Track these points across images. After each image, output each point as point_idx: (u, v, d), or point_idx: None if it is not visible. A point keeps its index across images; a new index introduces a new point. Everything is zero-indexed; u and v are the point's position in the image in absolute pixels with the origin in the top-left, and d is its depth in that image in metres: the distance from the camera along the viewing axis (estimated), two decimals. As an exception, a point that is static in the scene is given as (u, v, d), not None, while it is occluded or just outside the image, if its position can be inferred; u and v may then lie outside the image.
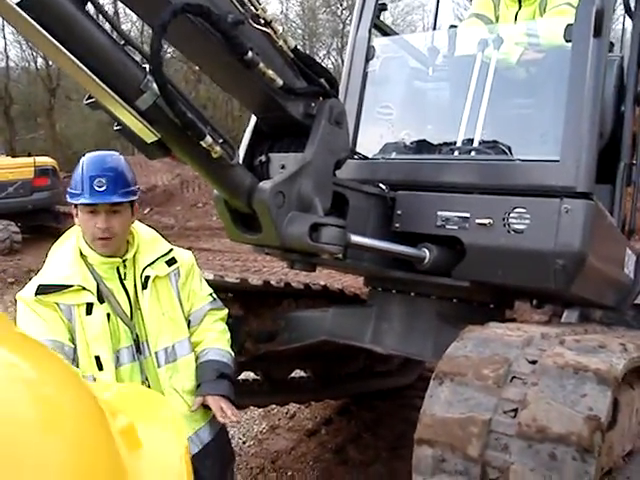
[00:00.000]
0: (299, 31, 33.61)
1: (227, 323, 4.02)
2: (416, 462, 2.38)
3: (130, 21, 26.76)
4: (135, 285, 2.87)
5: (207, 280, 4.05)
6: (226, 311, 3.30)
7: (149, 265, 2.91)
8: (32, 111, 27.92)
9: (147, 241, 3.03)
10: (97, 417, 0.53)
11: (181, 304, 3.03)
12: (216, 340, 3.11)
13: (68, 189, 2.80)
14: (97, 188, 2.74)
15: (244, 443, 5.19)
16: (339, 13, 33.40)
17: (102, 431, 0.53)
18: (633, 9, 4.14)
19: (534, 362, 2.41)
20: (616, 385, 2.26)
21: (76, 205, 2.76)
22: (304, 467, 4.82)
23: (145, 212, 18.59)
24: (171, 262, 3.02)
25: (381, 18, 4.33)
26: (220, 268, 11.68)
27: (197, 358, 3.04)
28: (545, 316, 6.11)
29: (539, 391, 2.26)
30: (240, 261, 13.34)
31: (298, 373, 5.29)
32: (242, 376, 4.68)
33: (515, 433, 2.22)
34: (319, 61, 3.28)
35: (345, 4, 32.81)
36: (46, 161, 16.04)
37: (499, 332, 2.67)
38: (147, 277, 2.88)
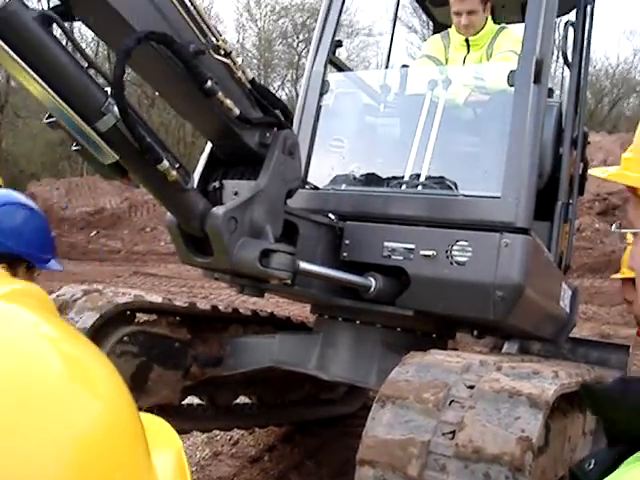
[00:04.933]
0: (254, 61, 33.95)
1: (174, 347, 4.04)
2: (357, 483, 2.46)
3: (85, 41, 26.62)
4: None
5: (155, 303, 4.09)
6: None
7: None
8: (-23, 128, 27.39)
9: None
10: (125, 389, 0.57)
11: None
12: None
13: (25, 249, 2.53)
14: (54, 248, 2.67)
15: (186, 469, 5.16)
16: (295, 45, 33.94)
17: (130, 399, 0.58)
18: (570, 60, 4.41)
19: (472, 387, 2.53)
20: (547, 409, 2.39)
21: (27, 267, 2.58)
22: (246, 494, 4.81)
23: (91, 235, 18.31)
24: None
25: (336, 54, 4.49)
26: (167, 294, 11.60)
27: None
28: (486, 348, 6.29)
29: (476, 414, 2.38)
30: (187, 287, 13.26)
31: (243, 399, 5.30)
32: (187, 400, 4.67)
33: (452, 454, 2.32)
34: (274, 92, 3.40)
35: (301, 37, 33.38)
36: (-10, 179, 15.70)
37: (440, 358, 2.78)
38: None
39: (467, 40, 4.51)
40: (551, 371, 2.73)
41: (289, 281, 3.13)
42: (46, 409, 0.46)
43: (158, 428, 0.68)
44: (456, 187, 3.62)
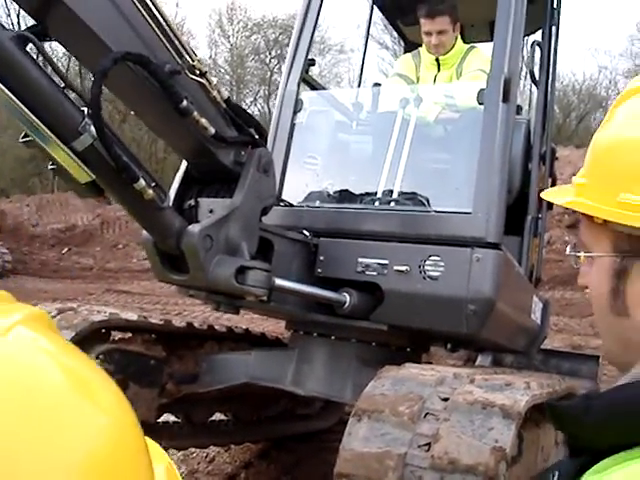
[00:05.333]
0: (227, 77, 34.03)
1: (150, 365, 4.03)
2: (335, 496, 2.48)
3: (55, 56, 26.43)
4: None
5: (131, 321, 4.08)
6: None
7: None
8: (-55, 144, 27.01)
9: None
10: (127, 403, 0.60)
11: None
12: None
13: None
14: None
15: (162, 487, 5.13)
16: (267, 61, 34.10)
17: (132, 414, 0.60)
18: (538, 78, 4.53)
19: (446, 399, 2.58)
20: (520, 419, 2.45)
21: None
22: (222, 511, 4.80)
23: (63, 252, 18.12)
24: None
25: (309, 72, 4.56)
26: (141, 311, 11.51)
27: None
28: (460, 361, 6.35)
29: (450, 426, 2.43)
30: (160, 304, 13.18)
31: (219, 416, 5.29)
32: (162, 418, 4.65)
33: (428, 465, 2.36)
34: (247, 109, 3.44)
35: (274, 52, 33.55)
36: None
37: (414, 372, 2.83)
38: None
39: (437, 59, 4.61)
40: (523, 382, 2.80)
41: (265, 298, 3.16)
42: (50, 421, 0.48)
43: (149, 444, 0.71)
44: (428, 203, 3.69)
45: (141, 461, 0.55)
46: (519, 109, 4.59)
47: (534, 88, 4.66)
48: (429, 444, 2.41)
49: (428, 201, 3.69)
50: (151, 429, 4.42)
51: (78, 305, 4.25)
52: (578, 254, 1.13)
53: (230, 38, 35.07)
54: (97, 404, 0.55)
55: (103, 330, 3.94)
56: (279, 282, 3.20)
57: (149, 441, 0.72)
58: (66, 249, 18.68)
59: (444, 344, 4.14)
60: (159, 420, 4.56)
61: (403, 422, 2.49)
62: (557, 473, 1.01)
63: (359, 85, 5.69)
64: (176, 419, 4.87)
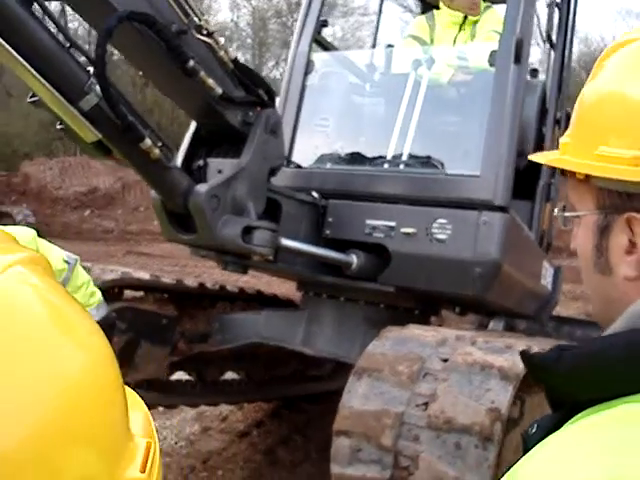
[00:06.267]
0: (249, 40, 33.72)
1: (162, 323, 4.10)
2: (334, 452, 2.55)
3: (77, 20, 26.37)
4: None
5: (142, 280, 4.16)
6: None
7: None
8: (-31, 107, 27.19)
9: None
10: (109, 348, 0.63)
11: None
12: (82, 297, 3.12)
13: None
14: None
15: (176, 444, 5.25)
16: (289, 24, 33.64)
17: (113, 358, 0.63)
18: (555, 41, 4.44)
19: (446, 360, 2.61)
20: (517, 381, 2.47)
21: None
22: (234, 467, 4.90)
23: (85, 214, 18.33)
24: None
25: (330, 33, 4.52)
26: (160, 273, 11.64)
27: None
28: (472, 325, 6.37)
29: (448, 386, 2.46)
30: (179, 266, 13.32)
31: (231, 375, 5.38)
32: (175, 376, 4.74)
33: (425, 424, 2.40)
34: (269, 73, 3.44)
35: (295, 15, 33.07)
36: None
37: (416, 332, 2.86)
38: None
39: (464, 20, 4.49)
40: (525, 345, 2.81)
41: (271, 257, 3.19)
42: (26, 347, 0.51)
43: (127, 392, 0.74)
44: (437, 166, 3.67)
45: (113, 399, 0.58)
46: (535, 72, 4.52)
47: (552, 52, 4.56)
48: (426, 403, 2.45)
49: (437, 163, 3.67)
50: (164, 387, 4.53)
51: (92, 265, 4.33)
52: (565, 214, 1.12)
53: (252, 0, 34.66)
54: (75, 340, 0.57)
55: (116, 289, 4.02)
56: (285, 242, 3.23)
57: (128, 390, 0.75)
58: (88, 212, 18.89)
59: (452, 307, 4.16)
60: (172, 378, 4.66)
61: (402, 381, 2.53)
62: (536, 426, 1.02)
63: (373, 47, 5.61)
64: (189, 377, 4.96)
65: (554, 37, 4.45)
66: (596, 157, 0.95)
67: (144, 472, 0.53)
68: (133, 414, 0.66)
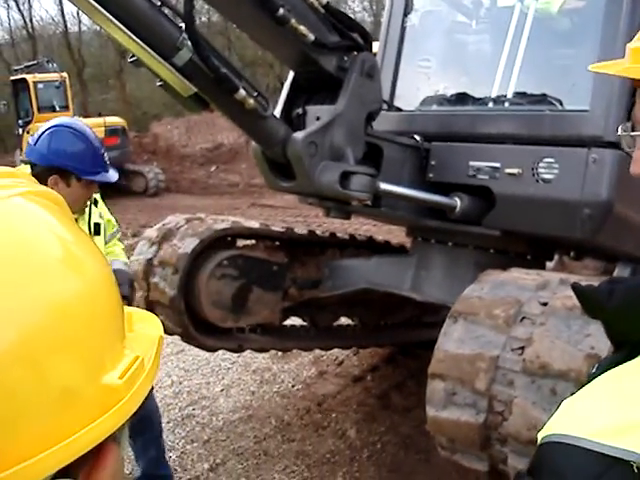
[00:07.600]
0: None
1: (272, 270, 4.22)
2: (429, 395, 2.55)
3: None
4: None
5: (253, 228, 4.29)
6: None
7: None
8: (103, 73, 28.55)
9: None
10: (114, 284, 0.67)
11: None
12: (118, 255, 3.26)
13: (71, 163, 2.66)
14: (107, 163, 2.79)
15: (293, 387, 5.45)
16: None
17: (116, 293, 0.65)
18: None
19: (545, 304, 2.52)
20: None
21: (77, 178, 2.67)
22: (348, 410, 5.04)
23: (211, 170, 19.01)
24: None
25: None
26: (284, 224, 11.88)
27: None
28: (595, 272, 6.08)
29: (545, 330, 2.38)
30: (302, 217, 13.55)
31: (345, 321, 5.48)
32: (289, 322, 4.90)
33: (520, 369, 2.35)
34: (352, 15, 3.38)
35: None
36: (116, 121, 16.53)
37: (516, 276, 2.78)
38: (96, 224, 3.05)
39: None
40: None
41: (369, 202, 3.20)
42: (25, 269, 0.54)
43: (147, 317, 0.78)
44: (543, 102, 3.48)
45: (103, 312, 0.60)
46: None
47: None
48: (522, 348, 2.39)
49: (544, 100, 3.48)
50: (278, 331, 4.70)
51: (206, 215, 4.51)
52: (631, 133, 1.04)
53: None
54: (76, 268, 0.61)
55: (228, 238, 4.18)
56: (384, 186, 3.21)
57: (145, 313, 0.79)
58: (214, 167, 19.54)
59: (567, 252, 3.98)
60: (286, 323, 4.82)
61: (497, 325, 2.48)
62: (596, 366, 0.98)
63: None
64: (303, 322, 5.11)
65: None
66: None
67: (122, 379, 0.56)
68: (138, 334, 0.69)
